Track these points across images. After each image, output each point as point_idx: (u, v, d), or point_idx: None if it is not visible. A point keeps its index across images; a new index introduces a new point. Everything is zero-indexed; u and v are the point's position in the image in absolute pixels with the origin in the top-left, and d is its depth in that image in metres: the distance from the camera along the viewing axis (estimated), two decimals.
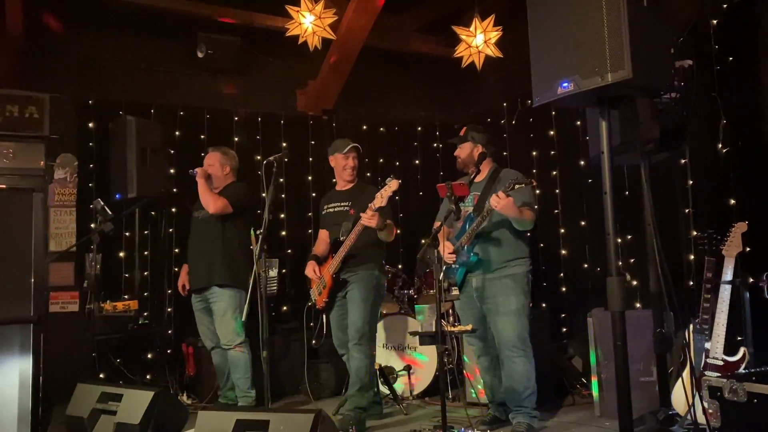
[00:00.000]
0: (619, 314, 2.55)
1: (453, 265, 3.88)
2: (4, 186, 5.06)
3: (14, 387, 4.01)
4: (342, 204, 4.29)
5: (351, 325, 4.08)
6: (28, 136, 5.08)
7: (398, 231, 6.44)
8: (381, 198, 3.78)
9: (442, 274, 3.84)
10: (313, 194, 5.97)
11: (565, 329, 5.35)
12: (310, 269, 4.21)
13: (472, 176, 3.92)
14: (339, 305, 4.21)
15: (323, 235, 4.39)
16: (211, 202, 4.40)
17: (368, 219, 3.86)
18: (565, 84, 2.47)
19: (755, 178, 4.06)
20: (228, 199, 4.43)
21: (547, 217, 5.39)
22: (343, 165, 4.32)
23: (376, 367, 4.69)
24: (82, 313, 4.80)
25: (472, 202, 3.90)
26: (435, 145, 6.75)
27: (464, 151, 3.98)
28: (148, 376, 5.01)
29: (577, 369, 4.94)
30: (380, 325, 4.98)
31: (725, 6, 4.15)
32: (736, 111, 4.10)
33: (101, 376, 4.80)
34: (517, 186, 3.54)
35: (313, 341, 4.30)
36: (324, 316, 4.24)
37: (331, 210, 4.35)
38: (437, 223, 3.81)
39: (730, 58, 4.13)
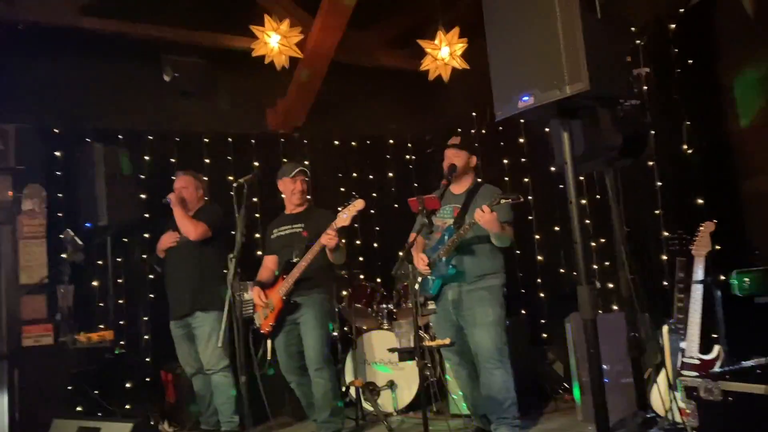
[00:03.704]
0: (590, 322, 2.57)
1: (430, 277, 3.88)
2: None
3: None
4: (294, 226, 4.23)
5: (309, 350, 4.02)
6: None
7: (375, 244, 6.51)
8: (345, 218, 3.74)
9: (417, 286, 3.86)
10: None
11: (544, 335, 5.37)
12: (255, 295, 4.12)
13: (444, 187, 3.88)
14: (287, 330, 4.12)
15: (269, 262, 4.31)
16: (191, 229, 4.36)
17: (329, 239, 3.81)
18: (525, 97, 2.50)
19: (720, 177, 4.14)
20: (207, 223, 4.40)
21: (521, 224, 5.40)
22: (291, 189, 4.25)
23: (359, 384, 4.69)
24: (57, 346, 4.73)
25: (452, 214, 3.89)
26: (407, 157, 6.78)
27: (462, 158, 3.95)
28: (127, 406, 4.91)
29: (559, 374, 4.97)
30: (360, 341, 4.97)
31: (682, 10, 4.23)
32: (698, 112, 4.17)
33: (78, 409, 4.70)
34: (503, 200, 3.53)
35: (258, 370, 4.11)
36: (270, 342, 4.13)
37: (283, 233, 4.27)
38: (413, 236, 3.81)
39: (690, 61, 4.21)
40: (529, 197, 5.53)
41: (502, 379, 3.71)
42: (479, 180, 4.05)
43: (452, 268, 3.78)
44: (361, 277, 5.50)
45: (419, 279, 3.89)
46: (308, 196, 4.37)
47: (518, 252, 5.52)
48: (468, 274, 3.80)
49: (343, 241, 4.00)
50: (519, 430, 3.80)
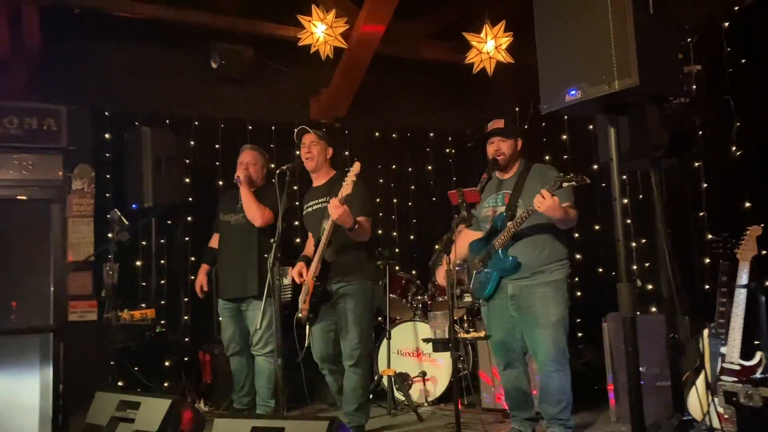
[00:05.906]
0: (630, 320, 2.55)
1: (485, 270, 3.65)
2: (23, 197, 5.19)
3: (35, 395, 4.07)
4: (319, 201, 3.97)
5: (345, 345, 3.79)
6: (46, 148, 5.21)
7: (412, 237, 6.53)
8: (346, 186, 3.47)
9: (471, 288, 3.78)
10: None
11: (580, 334, 5.32)
12: (297, 271, 3.89)
13: (485, 181, 3.65)
14: (324, 315, 3.87)
15: (311, 236, 4.11)
16: (258, 216, 4.25)
17: (333, 208, 3.45)
18: (573, 92, 2.48)
19: None
20: (273, 210, 4.26)
21: None
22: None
23: (391, 373, 4.73)
24: (101, 322, 4.89)
25: (503, 201, 3.65)
26: (447, 150, 6.77)
27: (509, 145, 3.69)
28: (165, 384, 5.06)
29: (593, 374, 4.91)
30: (394, 331, 5.00)
31: (736, 8, 4.13)
32: (749, 113, 4.07)
33: (119, 384, 4.86)
34: (565, 184, 3.17)
35: (299, 357, 3.97)
36: (308, 326, 3.92)
37: (310, 209, 4.03)
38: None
39: (743, 60, 4.11)
40: None
41: (560, 382, 3.52)
42: (527, 162, 3.75)
43: (513, 259, 3.48)
44: (397, 268, 5.53)
45: (475, 272, 3.71)
46: (326, 163, 4.08)
47: None
48: (527, 267, 3.51)
49: (359, 219, 3.66)
50: None
